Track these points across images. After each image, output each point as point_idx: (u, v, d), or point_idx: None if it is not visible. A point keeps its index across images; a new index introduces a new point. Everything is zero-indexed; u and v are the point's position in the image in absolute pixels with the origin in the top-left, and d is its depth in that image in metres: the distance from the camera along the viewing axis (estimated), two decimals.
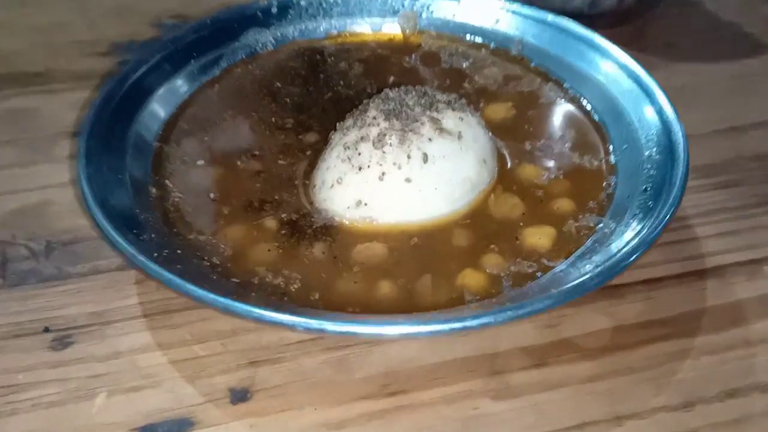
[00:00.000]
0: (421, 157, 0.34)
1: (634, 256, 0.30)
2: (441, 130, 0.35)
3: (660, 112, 0.37)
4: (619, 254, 0.31)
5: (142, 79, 0.39)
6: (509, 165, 0.37)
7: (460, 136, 0.35)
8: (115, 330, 0.34)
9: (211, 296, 0.28)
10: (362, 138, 0.35)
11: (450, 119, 0.35)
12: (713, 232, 0.39)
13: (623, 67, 0.40)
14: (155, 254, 0.31)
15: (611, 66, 0.40)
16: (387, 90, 0.37)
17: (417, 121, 0.35)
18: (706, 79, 0.49)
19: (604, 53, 0.41)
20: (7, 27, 0.52)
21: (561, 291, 0.30)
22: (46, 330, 0.34)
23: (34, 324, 0.35)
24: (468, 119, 0.36)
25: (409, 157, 0.34)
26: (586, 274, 0.31)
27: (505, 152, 0.38)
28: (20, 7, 0.54)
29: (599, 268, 0.30)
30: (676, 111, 0.36)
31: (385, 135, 0.34)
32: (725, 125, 0.45)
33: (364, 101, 0.37)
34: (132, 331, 0.34)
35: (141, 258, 0.29)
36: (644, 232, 0.31)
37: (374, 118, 0.35)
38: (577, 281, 0.30)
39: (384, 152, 0.34)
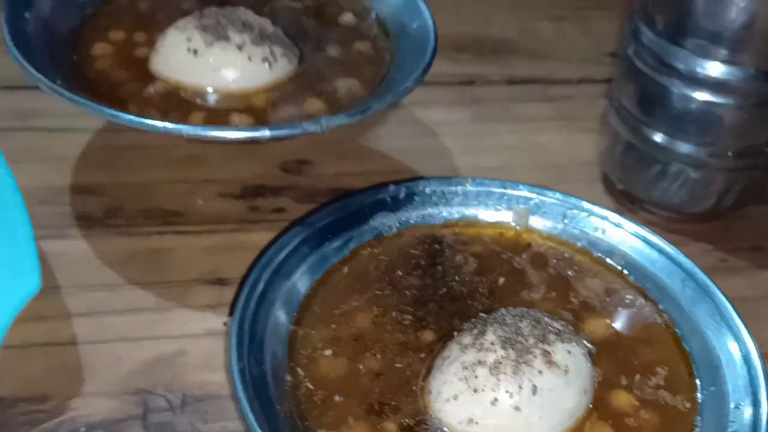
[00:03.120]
0: (531, 388, 0.38)
1: None
2: (551, 363, 0.39)
3: (749, 366, 0.40)
4: None
5: (285, 262, 0.44)
6: (605, 390, 0.41)
7: (566, 371, 0.39)
8: None
9: None
10: (480, 362, 0.39)
11: (559, 353, 0.39)
12: None
13: (720, 307, 0.43)
14: None
15: (707, 300, 0.44)
16: (504, 312, 0.41)
17: (530, 353, 0.39)
18: None
19: (703, 287, 0.44)
20: (149, 158, 0.57)
21: None
22: None
23: None
24: (574, 351, 0.40)
25: (520, 387, 0.38)
26: None
27: (601, 378, 0.42)
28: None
29: None
30: (765, 371, 0.40)
31: (500, 363, 0.38)
32: None
33: (481, 317, 0.42)
34: None
35: None
36: None
37: (492, 343, 0.39)
38: None
39: (498, 380, 0.38)
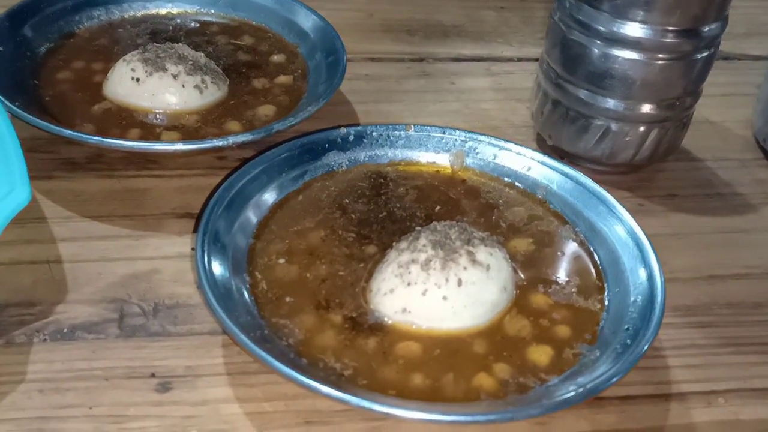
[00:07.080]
0: (456, 281, 0.44)
1: (608, 384, 0.40)
2: (474, 261, 0.45)
3: (649, 271, 0.47)
4: (599, 379, 0.41)
5: (245, 187, 0.50)
6: (525, 293, 0.47)
7: (488, 268, 0.45)
8: (204, 382, 0.44)
9: (287, 369, 0.39)
10: (413, 260, 0.45)
11: (482, 253, 0.45)
12: (682, 364, 0.49)
13: (625, 224, 0.50)
14: (252, 334, 0.41)
15: (615, 220, 0.50)
16: (435, 223, 0.47)
17: (456, 252, 0.45)
18: (697, 229, 0.59)
19: (611, 209, 0.51)
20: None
21: (552, 402, 0.40)
22: (152, 375, 0.44)
23: (143, 369, 0.45)
24: (496, 254, 0.46)
25: (447, 280, 0.44)
26: (573, 390, 0.40)
27: (524, 282, 0.48)
28: None
29: (583, 388, 0.40)
30: (662, 273, 0.46)
31: (430, 261, 0.45)
32: (707, 273, 0.55)
33: (417, 229, 0.48)
34: (217, 385, 0.44)
35: (248, 343, 0.40)
36: (620, 364, 0.41)
37: (423, 245, 0.45)
38: (565, 396, 0.40)
39: (428, 274, 0.44)
